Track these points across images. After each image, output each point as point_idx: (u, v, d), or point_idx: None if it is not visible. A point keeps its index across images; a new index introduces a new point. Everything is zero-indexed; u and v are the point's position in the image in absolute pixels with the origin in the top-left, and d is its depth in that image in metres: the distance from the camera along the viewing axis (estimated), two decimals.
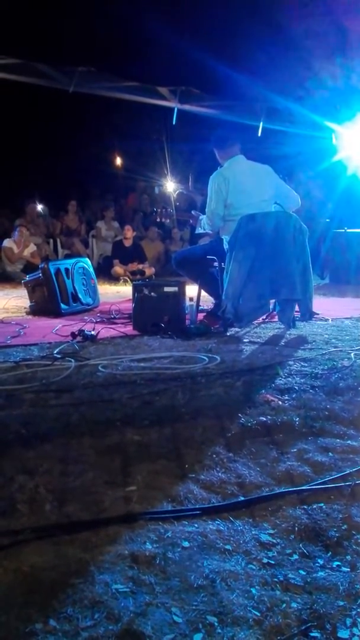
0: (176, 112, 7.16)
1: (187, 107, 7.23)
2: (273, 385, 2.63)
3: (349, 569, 1.23)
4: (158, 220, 6.88)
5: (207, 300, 4.69)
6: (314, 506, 1.50)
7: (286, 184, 4.47)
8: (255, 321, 4.29)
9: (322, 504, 1.51)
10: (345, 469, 1.72)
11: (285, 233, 3.98)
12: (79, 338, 3.67)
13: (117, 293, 6.87)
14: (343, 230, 8.51)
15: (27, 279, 5.23)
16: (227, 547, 1.31)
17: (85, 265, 5.53)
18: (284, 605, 1.11)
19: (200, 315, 4.38)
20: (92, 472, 1.68)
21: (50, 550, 1.28)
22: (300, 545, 1.33)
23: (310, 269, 4.12)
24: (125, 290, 6.97)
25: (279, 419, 2.14)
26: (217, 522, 1.42)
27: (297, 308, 4.22)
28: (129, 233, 8.76)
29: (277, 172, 4.38)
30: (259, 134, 7.63)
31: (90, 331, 3.79)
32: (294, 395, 2.46)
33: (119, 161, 16.23)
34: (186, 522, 1.41)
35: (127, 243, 8.81)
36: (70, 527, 1.38)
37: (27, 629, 1.03)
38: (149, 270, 8.70)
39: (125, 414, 2.21)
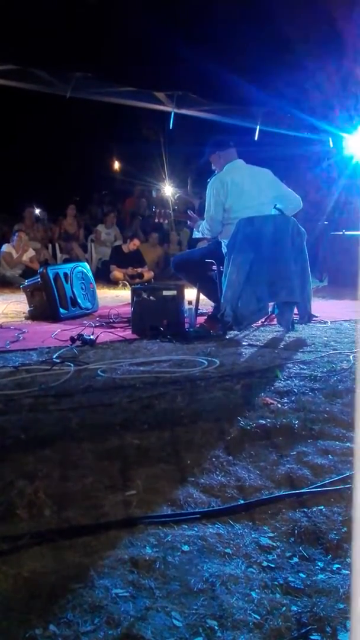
0: (173, 116, 7.17)
1: (184, 111, 7.25)
2: (272, 388, 2.64)
3: (349, 572, 1.23)
4: (156, 220, 6.86)
5: (206, 304, 4.69)
6: (314, 509, 1.50)
7: (286, 186, 4.47)
8: (254, 324, 4.29)
9: (322, 507, 1.51)
10: (344, 471, 1.72)
11: (283, 236, 3.99)
12: (78, 342, 3.67)
13: (116, 297, 6.87)
14: (341, 233, 8.52)
15: (26, 283, 5.23)
16: (227, 550, 1.31)
17: (84, 270, 5.53)
18: (284, 608, 1.11)
19: (200, 319, 4.38)
20: (91, 476, 1.67)
21: (50, 555, 1.28)
22: (300, 548, 1.33)
23: (309, 272, 4.12)
24: (124, 294, 6.97)
25: (278, 421, 2.14)
26: (216, 525, 1.42)
27: (295, 310, 4.22)
28: (132, 245, 8.76)
29: (274, 174, 4.37)
30: (256, 138, 7.64)
31: (89, 335, 3.78)
32: (293, 398, 2.46)
33: (116, 165, 16.28)
34: (186, 526, 1.41)
35: (131, 249, 8.80)
36: (70, 531, 1.38)
37: (27, 634, 1.03)
38: (148, 274, 8.68)
39: (124, 418, 2.21)
